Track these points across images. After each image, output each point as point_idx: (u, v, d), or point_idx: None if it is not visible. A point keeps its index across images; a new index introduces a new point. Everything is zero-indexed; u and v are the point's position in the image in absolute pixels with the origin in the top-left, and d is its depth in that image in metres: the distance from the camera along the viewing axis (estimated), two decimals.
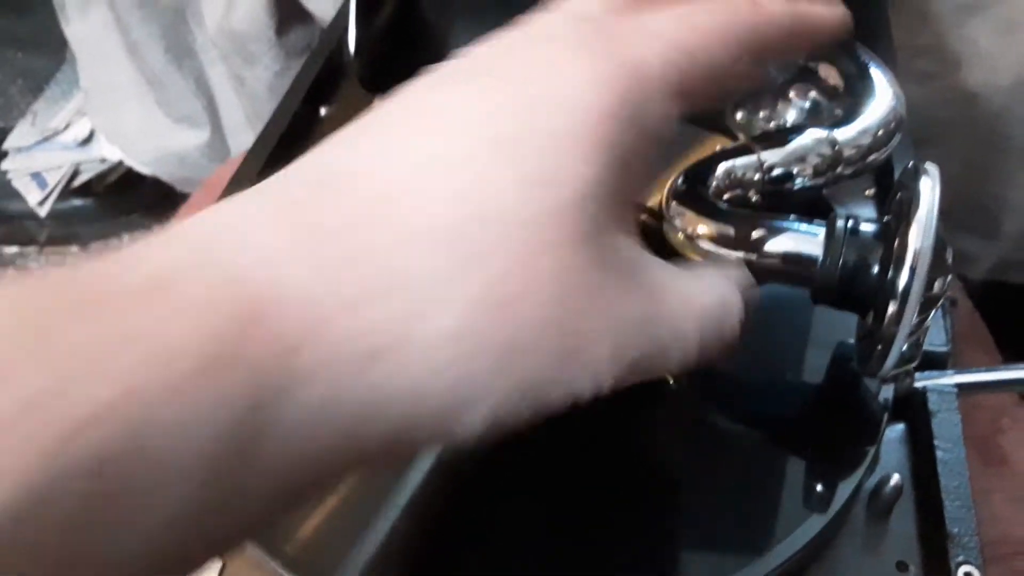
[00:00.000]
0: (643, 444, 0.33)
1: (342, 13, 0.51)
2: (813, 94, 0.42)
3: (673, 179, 0.35)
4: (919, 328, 0.28)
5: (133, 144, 0.90)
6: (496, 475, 0.31)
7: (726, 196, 0.35)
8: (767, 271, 0.31)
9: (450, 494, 0.31)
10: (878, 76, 0.40)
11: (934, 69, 0.65)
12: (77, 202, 1.09)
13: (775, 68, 0.43)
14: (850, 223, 0.30)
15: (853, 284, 0.29)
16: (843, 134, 0.36)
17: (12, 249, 1.14)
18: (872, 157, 0.37)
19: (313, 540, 0.30)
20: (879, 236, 0.29)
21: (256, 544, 0.30)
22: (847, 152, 0.36)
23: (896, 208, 0.29)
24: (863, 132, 0.37)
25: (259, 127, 0.82)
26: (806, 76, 0.43)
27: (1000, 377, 0.34)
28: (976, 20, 0.63)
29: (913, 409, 0.34)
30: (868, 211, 0.41)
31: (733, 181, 0.35)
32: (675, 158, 0.38)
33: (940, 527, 0.30)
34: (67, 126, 0.99)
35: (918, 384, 0.33)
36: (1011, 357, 0.52)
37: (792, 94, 0.43)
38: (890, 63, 0.47)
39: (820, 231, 0.30)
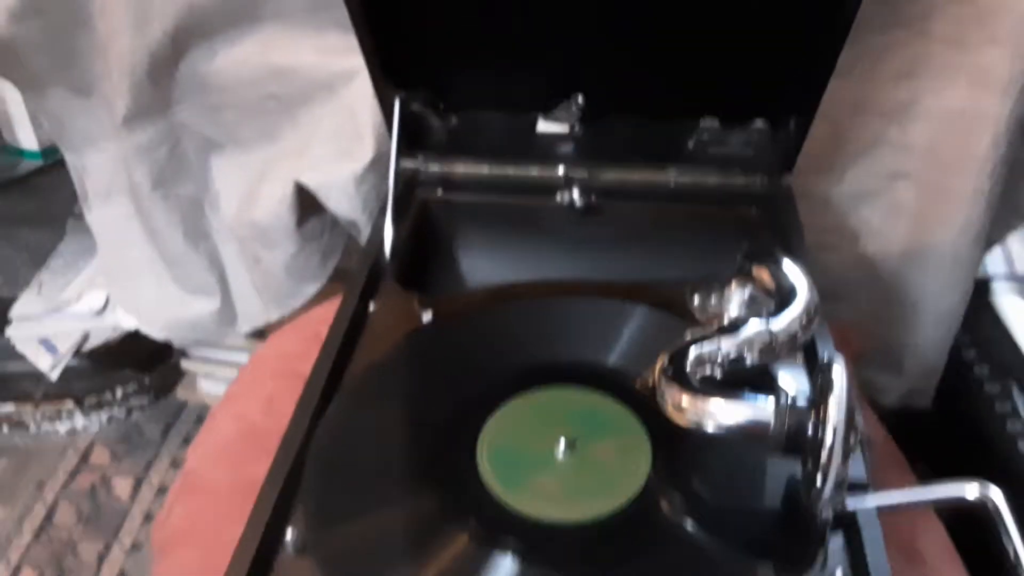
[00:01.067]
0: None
1: (376, 227, 0.64)
2: (750, 288, 0.56)
3: (660, 362, 0.48)
4: (843, 470, 0.41)
5: (150, 315, 0.99)
6: None
7: (698, 375, 0.48)
8: (733, 432, 0.43)
9: None
10: (797, 275, 0.54)
11: (838, 242, 0.81)
12: (73, 361, 1.16)
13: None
14: (789, 400, 0.42)
15: (795, 441, 0.42)
16: (777, 324, 0.50)
17: (8, 407, 1.20)
18: (800, 339, 0.51)
19: None
20: (810, 407, 0.42)
21: None
22: (781, 338, 0.50)
23: (819, 388, 0.42)
24: (792, 321, 0.50)
25: (267, 295, 0.94)
26: (744, 273, 0.57)
27: (907, 499, 0.45)
28: (867, 205, 0.79)
29: (846, 524, 0.45)
30: (799, 372, 0.54)
31: (702, 362, 0.48)
32: (662, 343, 0.50)
33: None
34: (80, 297, 1.08)
35: (849, 507, 0.45)
36: (922, 468, 0.65)
37: (734, 286, 0.57)
38: (801, 251, 0.62)
39: (769, 402, 0.43)
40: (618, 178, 0.70)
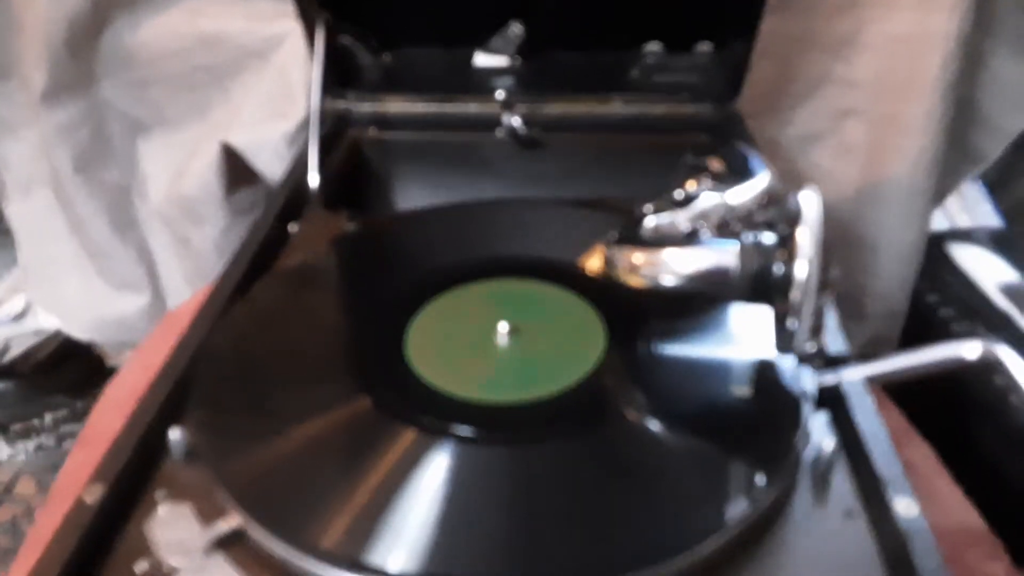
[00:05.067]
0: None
1: (301, 156, 0.59)
2: (708, 181, 0.53)
3: (604, 243, 0.44)
4: (819, 306, 0.37)
5: (72, 313, 0.92)
6: None
7: None
8: (696, 281, 0.39)
9: None
10: (754, 160, 0.51)
11: (790, 188, 0.78)
12: None
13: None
14: (754, 237, 0.38)
15: (761, 284, 0.38)
16: (734, 197, 0.46)
17: None
18: (758, 218, 0.47)
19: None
20: (778, 244, 0.38)
21: None
22: (739, 212, 0.46)
23: (787, 219, 0.38)
24: (750, 197, 0.47)
25: (199, 286, 0.88)
26: (698, 169, 0.53)
27: (898, 366, 0.40)
28: (816, 147, 0.77)
29: (832, 398, 0.41)
30: None
31: (659, 234, 0.44)
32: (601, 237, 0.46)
33: (873, 476, 0.36)
34: None
35: (832, 380, 0.40)
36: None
37: (689, 186, 0.54)
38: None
39: (731, 245, 0.39)
40: (562, 110, 0.67)
